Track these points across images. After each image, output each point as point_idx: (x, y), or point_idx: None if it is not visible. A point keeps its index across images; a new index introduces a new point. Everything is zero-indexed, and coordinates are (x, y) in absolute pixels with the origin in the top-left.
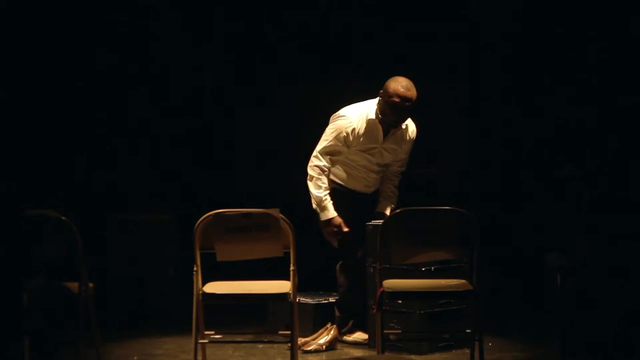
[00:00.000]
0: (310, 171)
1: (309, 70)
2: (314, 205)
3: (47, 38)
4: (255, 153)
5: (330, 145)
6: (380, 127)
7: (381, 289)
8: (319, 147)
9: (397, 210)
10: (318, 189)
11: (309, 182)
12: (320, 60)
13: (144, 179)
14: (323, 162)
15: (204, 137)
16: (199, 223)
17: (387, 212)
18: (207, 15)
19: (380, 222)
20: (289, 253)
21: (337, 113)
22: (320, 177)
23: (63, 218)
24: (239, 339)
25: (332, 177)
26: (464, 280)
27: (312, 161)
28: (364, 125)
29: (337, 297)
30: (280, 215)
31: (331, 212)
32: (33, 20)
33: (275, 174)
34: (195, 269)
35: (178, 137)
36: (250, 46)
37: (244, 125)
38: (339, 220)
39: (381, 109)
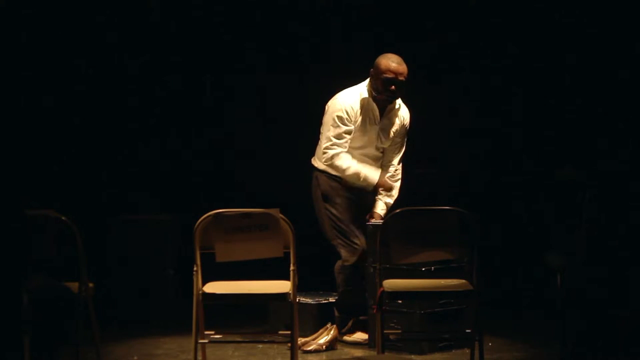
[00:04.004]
0: (332, 165)
1: (309, 69)
2: (360, 179)
3: (48, 36)
4: (256, 153)
5: (337, 132)
6: (375, 105)
7: (381, 289)
8: (326, 139)
9: (397, 210)
10: (350, 170)
11: (341, 172)
12: (320, 59)
13: (144, 179)
14: (337, 150)
15: (204, 137)
16: (199, 223)
17: (382, 212)
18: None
19: (380, 222)
20: (289, 253)
21: (330, 100)
22: (343, 162)
23: (63, 218)
24: (239, 339)
25: (332, 170)
26: (464, 280)
27: (327, 154)
28: (359, 105)
29: (337, 297)
30: (280, 215)
31: (376, 176)
32: (36, 18)
33: (275, 174)
34: (195, 269)
35: (178, 137)
36: (249, 43)
37: (244, 125)
38: (382, 181)
39: (374, 87)
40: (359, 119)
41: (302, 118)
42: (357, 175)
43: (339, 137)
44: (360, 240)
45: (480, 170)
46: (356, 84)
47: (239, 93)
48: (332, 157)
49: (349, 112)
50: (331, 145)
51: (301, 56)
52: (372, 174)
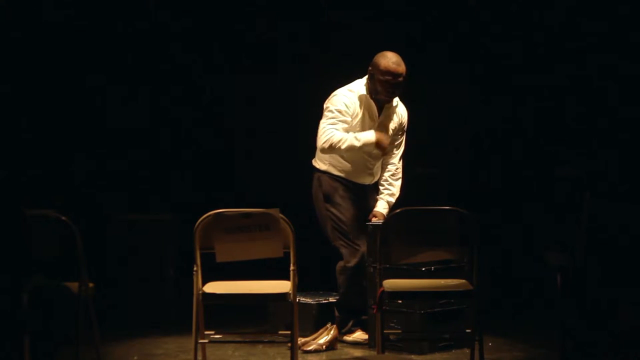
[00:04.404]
0: (329, 147)
1: (308, 69)
2: (360, 143)
3: (53, 36)
4: (255, 152)
5: (332, 121)
6: (373, 103)
7: (381, 289)
8: (321, 129)
9: (397, 210)
10: (347, 139)
11: (338, 149)
12: (320, 59)
13: (144, 179)
14: (330, 133)
15: (204, 137)
16: (199, 223)
17: (384, 211)
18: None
19: (381, 221)
20: (289, 253)
21: (328, 98)
22: (335, 138)
23: (63, 218)
24: (239, 339)
25: (334, 170)
26: (464, 280)
27: (322, 139)
28: (357, 102)
29: (337, 297)
30: (280, 215)
31: (370, 133)
32: (39, 17)
33: (275, 174)
34: (195, 269)
35: (178, 138)
36: (249, 46)
37: (244, 125)
38: (380, 135)
39: (373, 87)
40: (358, 117)
41: (302, 118)
42: (353, 144)
43: (333, 124)
44: (361, 242)
45: (480, 170)
46: (354, 81)
47: (239, 93)
48: (326, 140)
49: (348, 106)
50: (324, 133)
51: (300, 56)
52: (364, 135)
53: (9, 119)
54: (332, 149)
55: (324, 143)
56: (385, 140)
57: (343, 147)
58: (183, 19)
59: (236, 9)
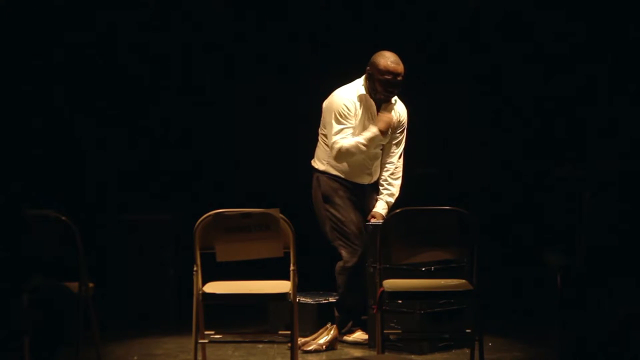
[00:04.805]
0: (341, 157)
1: (309, 69)
2: (366, 143)
3: (47, 35)
4: (256, 153)
5: (338, 128)
6: (372, 102)
7: (381, 289)
8: (331, 136)
9: (397, 210)
10: (355, 143)
11: (351, 156)
12: (320, 58)
13: (144, 179)
14: (339, 143)
15: (204, 137)
16: (199, 223)
17: (383, 212)
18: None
19: (381, 221)
20: (289, 253)
21: (327, 99)
22: (346, 145)
23: (63, 218)
24: (239, 339)
25: (333, 170)
26: (464, 280)
27: (333, 148)
28: (358, 102)
29: (337, 298)
30: (280, 215)
31: (372, 129)
32: (32, 15)
33: (275, 174)
34: (195, 269)
35: (178, 137)
36: (248, 45)
37: (244, 125)
38: (380, 123)
39: (372, 86)
40: (358, 117)
41: (302, 118)
42: (360, 149)
43: (339, 132)
44: (361, 242)
45: (481, 170)
46: (352, 81)
47: (239, 94)
48: (337, 150)
49: (349, 107)
50: (333, 142)
51: (299, 56)
52: (367, 134)
53: (10, 119)
54: (343, 158)
55: (335, 158)
56: (387, 123)
57: (355, 151)
58: (183, 18)
59: (236, 9)
